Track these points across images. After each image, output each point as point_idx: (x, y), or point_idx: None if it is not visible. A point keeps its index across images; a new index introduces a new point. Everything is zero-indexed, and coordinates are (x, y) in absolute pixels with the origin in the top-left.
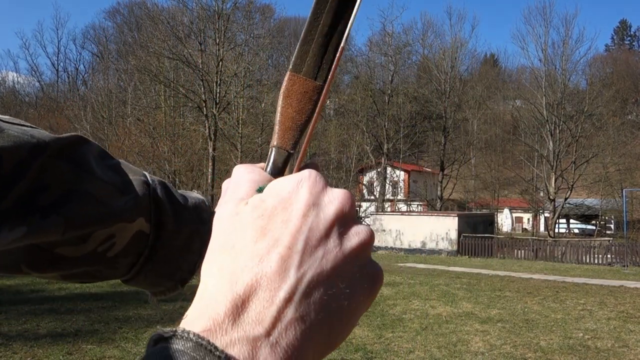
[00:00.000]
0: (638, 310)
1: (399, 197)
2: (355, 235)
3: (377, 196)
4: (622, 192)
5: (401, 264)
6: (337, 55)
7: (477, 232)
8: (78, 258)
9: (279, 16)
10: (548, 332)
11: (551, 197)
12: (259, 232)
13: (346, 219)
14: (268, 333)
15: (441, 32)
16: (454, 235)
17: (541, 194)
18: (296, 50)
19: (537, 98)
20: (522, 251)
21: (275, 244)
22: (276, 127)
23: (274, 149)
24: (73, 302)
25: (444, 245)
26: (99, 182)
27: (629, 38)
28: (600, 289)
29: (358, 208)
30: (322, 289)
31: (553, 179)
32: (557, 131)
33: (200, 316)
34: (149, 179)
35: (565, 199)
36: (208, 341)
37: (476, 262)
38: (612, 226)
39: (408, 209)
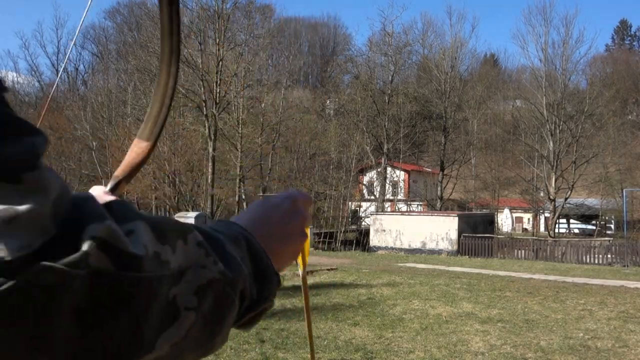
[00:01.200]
0: (638, 310)
1: (399, 197)
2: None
3: (377, 196)
4: (622, 192)
5: (401, 264)
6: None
7: (477, 232)
8: None
9: (279, 16)
10: (548, 332)
11: (551, 197)
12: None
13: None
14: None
15: (441, 32)
16: (454, 235)
17: (541, 194)
18: (144, 119)
19: (537, 98)
20: (522, 251)
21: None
22: (121, 165)
23: (113, 177)
24: None
25: (444, 245)
26: None
27: (629, 38)
28: (600, 289)
29: (358, 208)
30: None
31: (553, 179)
32: (557, 131)
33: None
34: None
35: (566, 199)
36: (245, 229)
37: (476, 262)
38: (612, 226)
39: (408, 209)
